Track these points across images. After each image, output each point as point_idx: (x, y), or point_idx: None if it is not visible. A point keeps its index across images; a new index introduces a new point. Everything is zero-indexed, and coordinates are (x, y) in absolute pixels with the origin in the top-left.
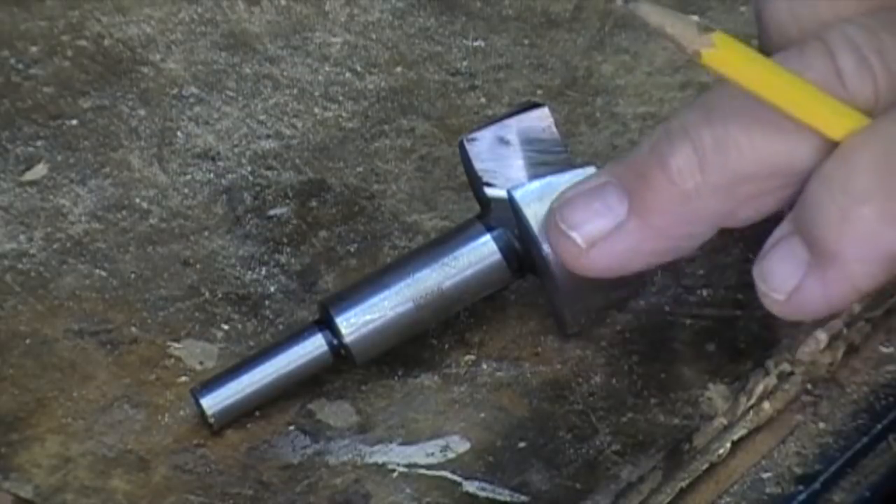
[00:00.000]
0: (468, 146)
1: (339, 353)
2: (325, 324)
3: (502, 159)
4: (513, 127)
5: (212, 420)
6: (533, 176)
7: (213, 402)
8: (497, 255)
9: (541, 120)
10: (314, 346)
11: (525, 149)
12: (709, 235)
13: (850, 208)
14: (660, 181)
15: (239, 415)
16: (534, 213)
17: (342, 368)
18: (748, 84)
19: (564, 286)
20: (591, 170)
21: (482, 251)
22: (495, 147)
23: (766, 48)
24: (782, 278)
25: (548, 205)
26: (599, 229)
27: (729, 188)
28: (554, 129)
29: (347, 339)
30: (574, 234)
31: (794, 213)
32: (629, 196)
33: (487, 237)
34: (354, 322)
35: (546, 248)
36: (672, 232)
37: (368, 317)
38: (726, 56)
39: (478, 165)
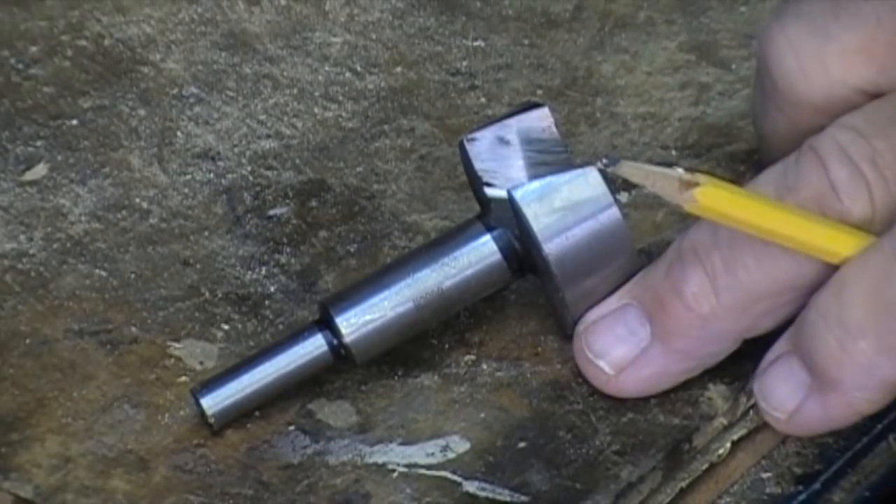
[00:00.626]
0: (468, 146)
1: (339, 353)
2: (325, 324)
3: (502, 159)
4: (513, 127)
5: (212, 420)
6: (533, 176)
7: (213, 402)
8: (497, 255)
9: (541, 120)
10: (314, 346)
11: (525, 149)
12: (733, 349)
13: (848, 341)
14: (677, 308)
15: (239, 415)
16: (534, 214)
17: (342, 368)
18: (737, 225)
19: (565, 287)
20: (591, 170)
21: (482, 251)
22: (495, 147)
23: (768, 96)
24: (782, 399)
25: (548, 205)
26: (625, 356)
27: (744, 308)
28: (554, 129)
29: (347, 339)
30: (601, 363)
31: (793, 334)
32: (650, 321)
33: (487, 237)
34: (354, 322)
35: (546, 248)
36: (696, 353)
37: (368, 317)
38: (712, 203)
39: (478, 165)
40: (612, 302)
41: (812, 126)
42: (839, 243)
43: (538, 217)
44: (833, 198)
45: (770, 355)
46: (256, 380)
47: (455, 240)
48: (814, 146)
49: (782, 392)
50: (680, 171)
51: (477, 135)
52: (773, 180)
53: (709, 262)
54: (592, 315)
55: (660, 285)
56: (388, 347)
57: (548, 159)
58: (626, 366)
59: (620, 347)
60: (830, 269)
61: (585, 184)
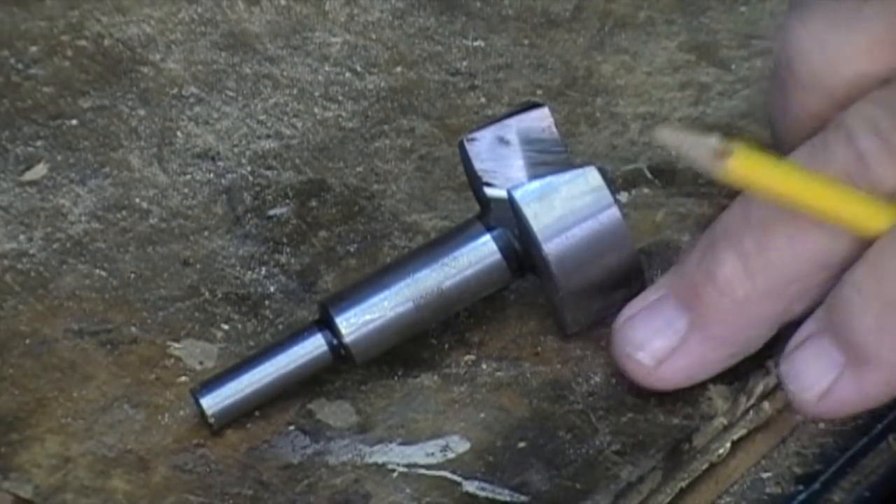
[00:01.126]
0: (468, 146)
1: (339, 353)
2: (325, 324)
3: (502, 159)
4: (513, 127)
5: (212, 420)
6: (533, 176)
7: (212, 402)
8: (497, 255)
9: (541, 120)
10: (314, 346)
11: (525, 149)
12: (770, 335)
13: (886, 315)
14: (711, 295)
15: (239, 415)
16: (534, 213)
17: (342, 368)
18: (772, 194)
19: (565, 287)
20: (591, 170)
21: (482, 251)
22: (495, 147)
23: (790, 93)
24: (813, 379)
25: (547, 205)
26: (663, 347)
27: (778, 290)
28: (554, 129)
29: (347, 339)
30: (640, 355)
31: (824, 314)
32: (686, 311)
33: (487, 237)
34: (354, 322)
35: (546, 248)
36: (733, 339)
37: (368, 317)
38: (746, 171)
39: (478, 165)
40: (648, 295)
41: (847, 60)
42: (874, 216)
43: (538, 217)
44: (863, 168)
45: (797, 337)
46: (256, 380)
47: (455, 240)
48: (840, 122)
49: (813, 372)
50: (715, 139)
51: (477, 135)
52: (801, 159)
53: (741, 246)
54: (629, 310)
55: (693, 273)
56: (388, 347)
57: (548, 159)
58: (665, 357)
59: (658, 339)
60: (863, 247)
61: (585, 183)
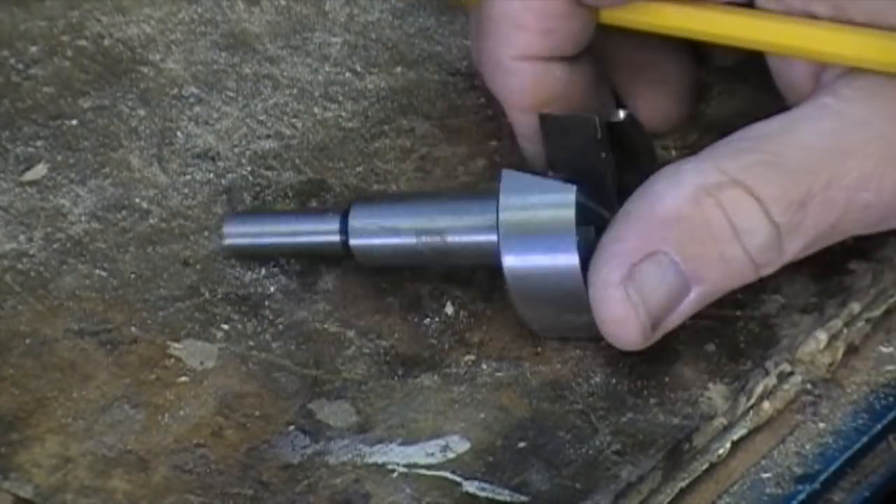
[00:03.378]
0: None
1: (347, 245)
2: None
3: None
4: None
5: (225, 242)
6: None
7: (231, 230)
8: (494, 235)
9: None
10: (330, 228)
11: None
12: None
13: None
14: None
15: (246, 253)
16: (506, 222)
17: (342, 368)
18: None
19: (518, 301)
20: (571, 196)
21: (485, 222)
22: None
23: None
24: None
25: (522, 217)
26: (664, 308)
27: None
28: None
29: (351, 238)
30: (643, 320)
31: None
32: (689, 265)
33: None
34: (362, 224)
35: (505, 260)
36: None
37: (376, 226)
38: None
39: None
40: (634, 252)
41: None
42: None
43: (509, 225)
44: None
45: None
46: (273, 231)
47: (474, 202)
48: None
49: None
50: None
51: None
52: None
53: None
54: (615, 274)
55: (690, 221)
56: (388, 264)
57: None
58: (663, 316)
59: (663, 307)
60: None
61: (558, 215)
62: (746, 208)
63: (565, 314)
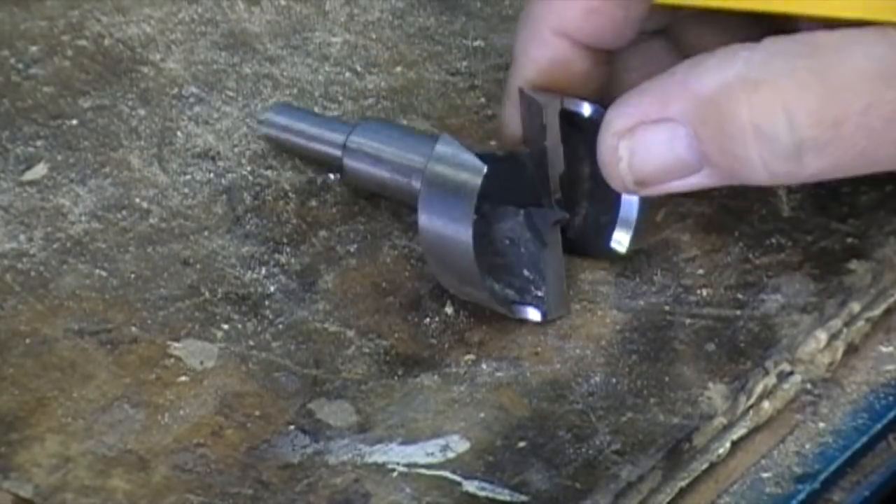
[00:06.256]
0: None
1: (343, 162)
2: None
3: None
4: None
5: (261, 119)
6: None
7: (269, 114)
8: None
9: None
10: (338, 140)
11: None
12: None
13: None
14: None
15: (274, 140)
16: (428, 181)
17: (342, 368)
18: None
19: (430, 263)
20: (478, 176)
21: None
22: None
23: None
24: None
25: (440, 181)
26: (662, 173)
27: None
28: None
29: (344, 155)
30: (646, 191)
31: None
32: (704, 147)
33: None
34: (357, 142)
35: (420, 218)
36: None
37: (369, 149)
38: None
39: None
40: (649, 111)
41: None
42: None
43: (430, 186)
44: None
45: None
46: (303, 127)
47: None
48: None
49: None
50: None
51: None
52: None
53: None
54: (617, 123)
55: (714, 101)
56: (367, 189)
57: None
58: (656, 180)
59: (670, 179)
60: None
61: (468, 183)
62: (773, 115)
63: (463, 284)
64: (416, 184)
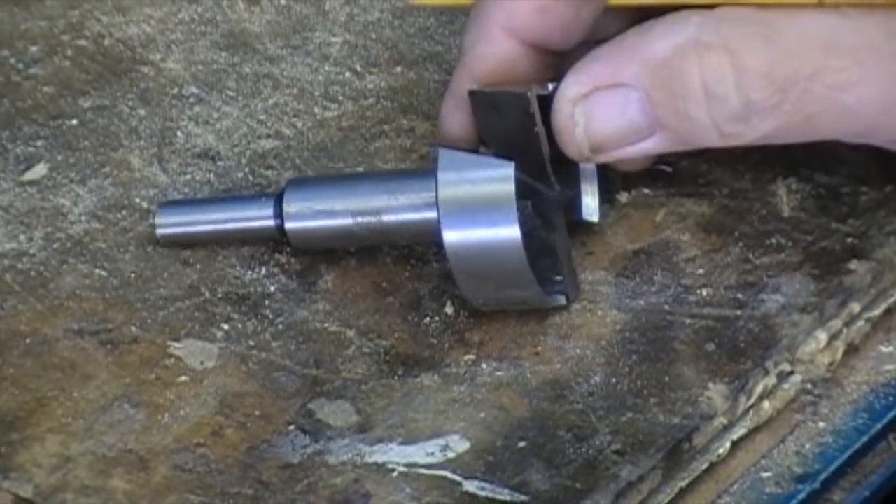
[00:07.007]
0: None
1: (283, 230)
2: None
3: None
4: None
5: (158, 232)
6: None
7: (164, 221)
8: (434, 213)
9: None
10: (264, 213)
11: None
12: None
13: None
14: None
15: (181, 242)
16: (444, 198)
17: (342, 368)
18: None
19: (458, 276)
20: (510, 170)
21: (423, 200)
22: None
23: None
24: None
25: (461, 192)
26: (615, 138)
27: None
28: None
29: (287, 222)
30: (601, 157)
31: None
32: (656, 110)
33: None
34: (298, 208)
35: (446, 237)
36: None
37: (312, 209)
38: None
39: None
40: (604, 76)
41: None
42: None
43: (447, 202)
44: None
45: None
46: (208, 218)
47: (410, 180)
48: None
49: None
50: None
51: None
52: None
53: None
54: (573, 90)
55: (668, 67)
56: (326, 246)
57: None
58: (610, 146)
59: (623, 146)
60: None
61: (497, 189)
62: (723, 76)
63: (506, 288)
64: (387, 218)
